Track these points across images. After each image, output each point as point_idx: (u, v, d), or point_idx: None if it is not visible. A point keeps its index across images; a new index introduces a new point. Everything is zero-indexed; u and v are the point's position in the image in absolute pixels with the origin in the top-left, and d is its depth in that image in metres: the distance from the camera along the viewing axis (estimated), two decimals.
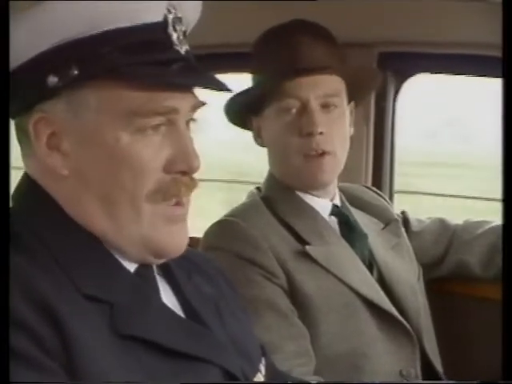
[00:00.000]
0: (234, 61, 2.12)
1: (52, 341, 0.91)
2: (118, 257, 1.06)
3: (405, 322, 1.67)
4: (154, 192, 1.03)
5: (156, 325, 1.02)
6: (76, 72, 1.00)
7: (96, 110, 1.01)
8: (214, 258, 1.37)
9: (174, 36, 1.04)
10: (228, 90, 1.07)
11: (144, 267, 1.08)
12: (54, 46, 0.99)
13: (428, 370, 1.72)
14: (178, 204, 1.05)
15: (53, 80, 1.00)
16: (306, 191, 1.72)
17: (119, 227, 1.03)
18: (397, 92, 2.19)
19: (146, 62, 1.02)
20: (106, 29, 0.99)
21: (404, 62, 2.15)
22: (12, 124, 1.09)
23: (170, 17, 1.04)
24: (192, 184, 1.06)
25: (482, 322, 1.93)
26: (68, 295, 0.96)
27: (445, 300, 1.95)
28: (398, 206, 2.19)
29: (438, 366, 1.75)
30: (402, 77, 2.18)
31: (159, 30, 1.03)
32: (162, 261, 1.09)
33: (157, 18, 1.03)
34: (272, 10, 1.85)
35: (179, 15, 1.06)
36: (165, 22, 1.03)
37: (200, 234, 1.69)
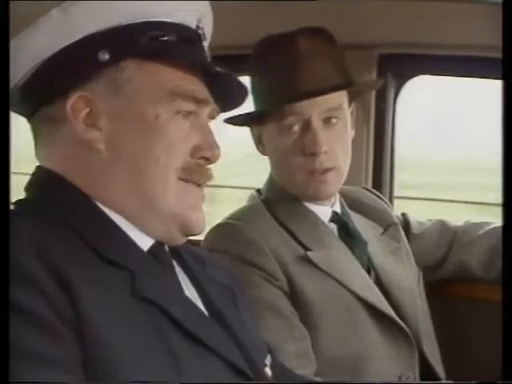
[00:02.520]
0: (235, 63, 2.12)
1: (65, 305, 0.94)
2: (135, 235, 1.10)
3: (404, 327, 1.66)
4: (181, 170, 1.11)
5: (172, 299, 1.06)
6: (127, 49, 1.08)
7: (139, 88, 1.09)
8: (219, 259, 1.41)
9: (205, 45, 1.16)
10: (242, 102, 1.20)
11: (159, 247, 1.13)
12: (106, 28, 1.08)
13: (429, 375, 1.72)
14: (199, 188, 1.14)
15: (104, 56, 1.07)
16: (309, 201, 1.71)
17: (148, 200, 1.10)
18: (397, 94, 2.19)
19: (190, 51, 1.14)
20: (154, 19, 1.10)
21: (404, 64, 2.15)
22: (27, 120, 1.15)
23: (201, 26, 1.15)
24: (210, 175, 1.15)
25: (483, 323, 1.93)
26: (86, 261, 1.01)
27: (446, 302, 1.95)
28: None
29: (440, 370, 1.75)
30: (402, 78, 2.18)
31: (196, 34, 1.15)
32: (184, 239, 1.15)
33: (191, 25, 1.15)
34: (272, 11, 1.85)
35: (205, 32, 1.17)
36: (198, 31, 1.15)
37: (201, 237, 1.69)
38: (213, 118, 1.18)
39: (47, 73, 1.08)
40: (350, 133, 1.72)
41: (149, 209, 1.10)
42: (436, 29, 1.94)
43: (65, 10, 1.07)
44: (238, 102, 1.22)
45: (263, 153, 1.75)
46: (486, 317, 1.91)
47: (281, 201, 1.71)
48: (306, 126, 1.64)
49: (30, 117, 1.14)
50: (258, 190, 1.79)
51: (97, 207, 1.09)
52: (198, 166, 1.12)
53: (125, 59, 1.09)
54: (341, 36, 1.70)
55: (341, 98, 1.67)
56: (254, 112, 1.70)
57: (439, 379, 1.73)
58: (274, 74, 1.65)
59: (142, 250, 1.10)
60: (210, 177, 1.15)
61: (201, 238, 1.67)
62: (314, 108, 1.63)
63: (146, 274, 1.06)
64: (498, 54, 1.23)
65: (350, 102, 1.73)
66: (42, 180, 1.12)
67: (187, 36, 1.13)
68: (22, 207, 1.07)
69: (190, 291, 1.15)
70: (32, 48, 1.07)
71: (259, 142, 1.75)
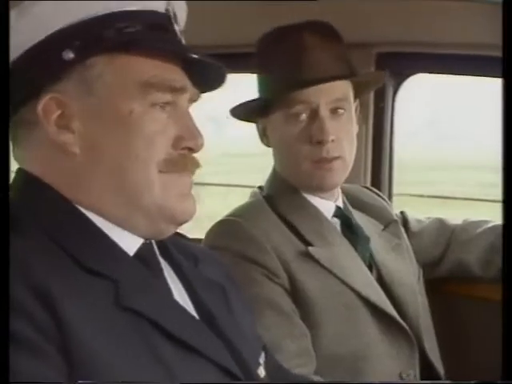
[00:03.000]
0: (237, 62, 2.12)
1: (49, 324, 0.91)
2: (119, 238, 1.07)
3: (405, 325, 1.66)
4: (163, 163, 1.07)
5: (158, 306, 1.04)
6: (92, 45, 1.04)
7: (111, 85, 1.05)
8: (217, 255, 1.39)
9: (177, 28, 1.11)
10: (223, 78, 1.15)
11: (146, 249, 1.10)
12: (69, 25, 1.04)
13: (429, 372, 1.72)
14: (185, 175, 1.10)
15: (68, 55, 1.04)
16: (313, 193, 1.71)
17: (132, 199, 1.07)
18: (395, 92, 2.19)
19: (160, 38, 1.10)
20: (118, 10, 1.06)
21: (403, 62, 2.15)
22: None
23: (170, 9, 1.11)
24: (196, 163, 1.12)
25: (482, 322, 1.93)
26: (69, 273, 0.98)
27: (444, 300, 1.95)
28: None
29: (439, 367, 1.75)
30: (401, 77, 2.18)
31: (166, 19, 1.10)
32: (174, 229, 1.13)
33: (160, 9, 1.10)
34: (272, 10, 1.85)
35: (177, 15, 1.12)
36: (168, 13, 1.10)
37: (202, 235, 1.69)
38: (194, 101, 1.14)
39: (16, 75, 1.05)
40: (355, 126, 1.73)
41: (134, 207, 1.07)
42: (434, 27, 1.94)
43: (21, 12, 1.04)
44: (217, 82, 1.17)
45: (267, 144, 1.76)
46: (484, 315, 1.91)
47: (283, 195, 1.71)
48: (314, 114, 1.64)
49: None
50: (260, 187, 1.79)
51: (78, 212, 1.06)
52: (182, 157, 1.09)
53: (92, 56, 1.05)
54: (338, 32, 1.71)
55: (347, 89, 1.68)
56: (259, 100, 1.70)
57: (439, 376, 1.74)
58: (279, 64, 1.66)
59: (127, 255, 1.07)
60: (196, 165, 1.11)
61: (202, 236, 1.68)
62: (322, 97, 1.63)
63: (130, 282, 1.02)
64: (497, 53, 1.23)
65: (355, 97, 1.73)
66: (22, 183, 1.09)
67: (156, 22, 1.09)
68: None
69: (179, 293, 1.13)
70: None
71: (264, 135, 1.75)
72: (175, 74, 1.09)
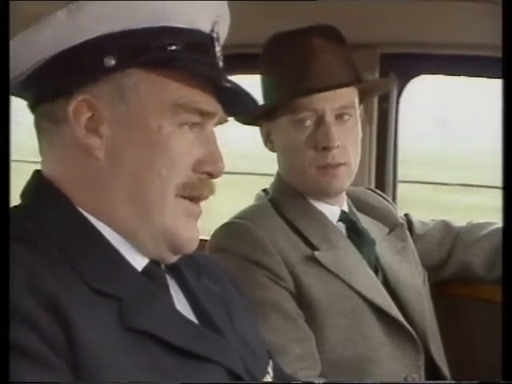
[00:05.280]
0: (240, 62, 2.11)
1: (58, 337, 0.92)
2: (129, 253, 1.07)
3: (410, 328, 1.66)
4: (181, 186, 1.07)
5: (165, 322, 1.04)
6: (134, 57, 1.04)
7: (144, 98, 1.05)
8: (221, 261, 1.39)
9: (218, 49, 1.11)
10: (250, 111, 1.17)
11: (153, 265, 1.10)
12: (115, 32, 1.04)
13: (435, 375, 1.72)
14: (197, 202, 1.10)
15: (109, 62, 1.04)
16: (318, 198, 1.71)
17: (144, 214, 1.06)
18: (399, 93, 2.19)
19: (200, 60, 1.08)
20: (165, 25, 1.06)
21: (406, 63, 2.15)
22: (32, 116, 1.12)
23: (215, 30, 1.11)
24: (212, 188, 1.11)
25: (486, 324, 1.93)
26: (76, 290, 0.98)
27: (449, 302, 1.95)
28: None
29: (445, 369, 1.75)
30: (405, 78, 2.18)
31: (209, 39, 1.10)
32: (175, 258, 1.12)
33: (205, 29, 1.10)
34: (274, 11, 1.85)
35: (220, 35, 1.12)
36: (212, 34, 1.10)
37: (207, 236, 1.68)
38: (220, 123, 1.15)
39: (50, 71, 1.06)
40: (360, 132, 1.73)
41: (143, 223, 1.06)
42: (438, 28, 1.94)
43: (72, 11, 1.04)
44: (245, 111, 1.19)
45: (272, 149, 1.75)
46: (488, 317, 1.91)
47: (288, 200, 1.71)
48: (320, 120, 1.64)
49: (32, 110, 1.12)
50: (265, 190, 1.79)
51: (89, 225, 1.05)
52: (200, 181, 1.08)
53: (132, 66, 1.05)
54: (344, 35, 1.70)
55: (353, 95, 1.69)
56: (264, 105, 1.70)
57: (445, 379, 1.73)
58: (287, 69, 1.66)
59: (135, 271, 1.07)
60: (211, 191, 1.11)
61: (207, 237, 1.67)
62: (328, 103, 1.64)
63: (135, 301, 1.02)
64: (500, 54, 1.22)
65: (360, 102, 1.73)
66: (36, 189, 1.09)
67: (199, 42, 1.09)
68: (13, 224, 1.01)
69: (182, 306, 1.12)
70: (35, 44, 1.04)
71: (268, 140, 1.75)
72: (205, 98, 1.08)
